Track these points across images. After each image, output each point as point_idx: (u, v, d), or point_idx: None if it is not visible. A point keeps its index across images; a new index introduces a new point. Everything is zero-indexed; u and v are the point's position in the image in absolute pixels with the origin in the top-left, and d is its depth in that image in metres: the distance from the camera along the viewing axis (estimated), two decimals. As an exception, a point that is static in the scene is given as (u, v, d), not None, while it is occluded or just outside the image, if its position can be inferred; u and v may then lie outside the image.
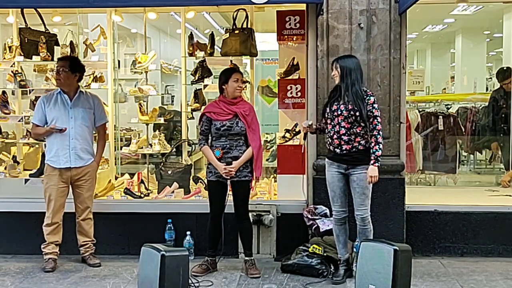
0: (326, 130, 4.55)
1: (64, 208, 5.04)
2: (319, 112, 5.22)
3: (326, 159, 4.58)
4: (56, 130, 4.91)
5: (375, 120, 4.35)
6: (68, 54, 5.93)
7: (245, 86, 5.83)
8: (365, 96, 4.37)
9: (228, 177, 4.63)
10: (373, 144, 4.35)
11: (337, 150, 4.43)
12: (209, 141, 4.76)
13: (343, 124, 4.38)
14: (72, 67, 5.05)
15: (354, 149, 4.39)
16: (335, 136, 4.42)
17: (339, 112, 4.40)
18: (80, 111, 5.04)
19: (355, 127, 4.37)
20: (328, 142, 4.51)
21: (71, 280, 4.72)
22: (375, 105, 4.37)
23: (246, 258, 4.80)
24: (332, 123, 4.45)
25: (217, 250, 4.84)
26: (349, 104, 4.37)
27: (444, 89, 11.75)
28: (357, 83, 4.39)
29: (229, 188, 4.72)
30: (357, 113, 4.33)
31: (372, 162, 4.33)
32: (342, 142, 4.40)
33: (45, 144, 5.24)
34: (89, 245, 5.14)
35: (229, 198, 4.76)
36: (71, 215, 5.10)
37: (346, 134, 4.38)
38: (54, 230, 5.01)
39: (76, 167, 4.99)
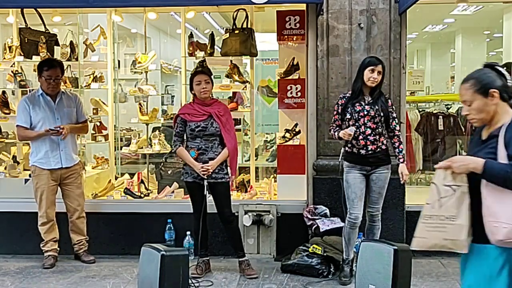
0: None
1: (56, 206, 5.07)
2: (319, 113, 5.23)
3: (346, 162, 4.50)
4: (53, 132, 4.90)
5: (394, 121, 4.48)
6: (68, 54, 5.93)
7: (245, 86, 5.85)
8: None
9: (205, 177, 4.56)
10: (397, 144, 4.49)
11: (362, 151, 4.40)
12: (185, 142, 4.73)
13: (369, 124, 4.38)
14: (61, 72, 5.11)
15: (378, 149, 4.41)
16: (360, 137, 4.39)
17: (365, 113, 4.39)
18: (65, 111, 5.07)
19: (379, 128, 4.41)
20: (350, 144, 4.45)
21: (71, 280, 4.72)
22: (393, 107, 4.53)
23: (240, 259, 4.77)
24: (357, 124, 4.40)
25: (208, 250, 4.84)
26: (376, 105, 4.39)
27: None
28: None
29: (205, 189, 4.63)
30: (382, 114, 4.39)
31: (402, 160, 4.48)
32: (368, 143, 4.39)
33: None
34: (83, 242, 5.18)
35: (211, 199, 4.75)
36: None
37: (372, 135, 4.39)
38: (50, 228, 5.05)
39: (66, 167, 5.01)
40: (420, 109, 7.44)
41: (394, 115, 4.49)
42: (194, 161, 4.58)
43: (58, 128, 4.89)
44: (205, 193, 4.62)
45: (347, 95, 4.52)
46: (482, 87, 2.54)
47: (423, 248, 2.64)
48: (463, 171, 2.52)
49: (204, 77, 4.63)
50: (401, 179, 4.50)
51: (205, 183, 4.59)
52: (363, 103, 4.41)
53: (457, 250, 2.56)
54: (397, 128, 4.49)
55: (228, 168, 4.70)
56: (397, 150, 4.50)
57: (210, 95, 4.73)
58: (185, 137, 4.71)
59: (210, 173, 4.55)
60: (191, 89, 4.70)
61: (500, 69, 2.59)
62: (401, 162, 4.48)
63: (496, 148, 2.48)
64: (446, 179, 2.56)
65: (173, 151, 4.92)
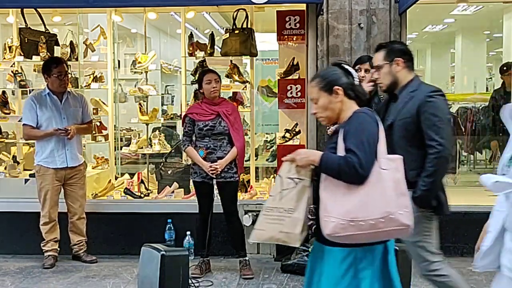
0: None
1: (58, 206, 5.08)
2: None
3: None
4: (62, 132, 4.91)
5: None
6: (68, 54, 5.94)
7: (245, 86, 5.85)
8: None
9: (214, 176, 4.59)
10: None
11: None
12: (193, 142, 4.73)
13: None
14: (67, 68, 5.13)
15: None
16: None
17: None
18: (71, 111, 5.08)
19: None
20: None
21: (71, 280, 4.72)
22: None
23: (240, 258, 4.77)
24: None
25: (209, 250, 4.84)
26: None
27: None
28: None
29: (215, 188, 4.67)
30: None
31: None
32: None
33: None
34: (83, 243, 5.19)
35: (217, 198, 4.75)
36: (71, 215, 5.11)
37: None
38: (51, 228, 5.05)
39: (71, 166, 5.02)
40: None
41: None
42: (202, 160, 4.59)
43: (66, 129, 4.91)
44: (214, 193, 4.63)
45: None
46: (327, 85, 2.58)
47: (260, 240, 2.67)
48: (305, 163, 2.54)
49: (214, 76, 4.66)
50: None
51: (214, 182, 4.59)
52: None
53: (290, 243, 2.55)
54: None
55: (237, 168, 4.70)
56: None
57: (219, 94, 4.74)
58: (193, 137, 4.72)
59: (218, 172, 4.56)
60: (200, 87, 4.72)
61: (347, 67, 2.64)
62: None
63: (337, 142, 2.51)
64: (290, 172, 2.58)
65: (182, 150, 4.94)
